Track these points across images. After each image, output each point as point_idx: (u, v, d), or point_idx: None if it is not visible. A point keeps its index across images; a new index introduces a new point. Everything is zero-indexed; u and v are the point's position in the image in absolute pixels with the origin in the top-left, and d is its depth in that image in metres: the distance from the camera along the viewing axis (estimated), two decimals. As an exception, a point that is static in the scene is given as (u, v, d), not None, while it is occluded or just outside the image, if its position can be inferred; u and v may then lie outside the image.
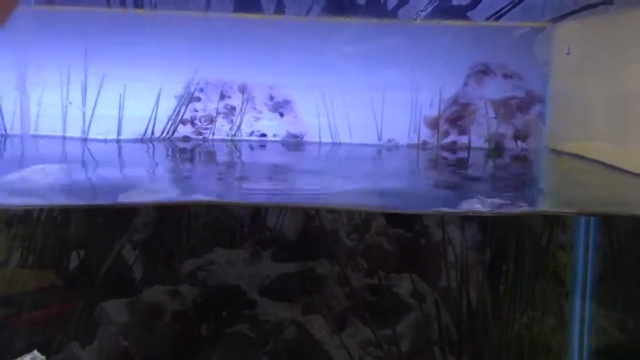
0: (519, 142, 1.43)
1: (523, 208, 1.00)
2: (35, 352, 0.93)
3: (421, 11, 1.21)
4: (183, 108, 1.40)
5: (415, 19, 1.26)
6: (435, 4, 1.19)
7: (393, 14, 1.24)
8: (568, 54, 1.28)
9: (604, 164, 1.18)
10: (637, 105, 1.08)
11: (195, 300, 1.23)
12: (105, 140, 1.38)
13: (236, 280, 1.25)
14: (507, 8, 1.22)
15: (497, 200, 0.98)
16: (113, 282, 1.24)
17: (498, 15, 1.25)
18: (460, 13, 1.22)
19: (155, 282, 1.24)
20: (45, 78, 1.32)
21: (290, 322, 1.23)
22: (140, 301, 1.22)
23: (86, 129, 1.37)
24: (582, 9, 1.20)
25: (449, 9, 1.22)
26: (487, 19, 1.27)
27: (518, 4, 1.19)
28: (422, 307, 1.26)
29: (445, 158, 1.40)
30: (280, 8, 1.22)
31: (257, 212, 1.30)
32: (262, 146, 1.42)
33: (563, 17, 1.28)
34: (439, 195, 1.12)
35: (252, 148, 1.41)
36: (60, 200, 1.03)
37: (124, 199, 0.97)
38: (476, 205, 0.96)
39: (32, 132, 1.32)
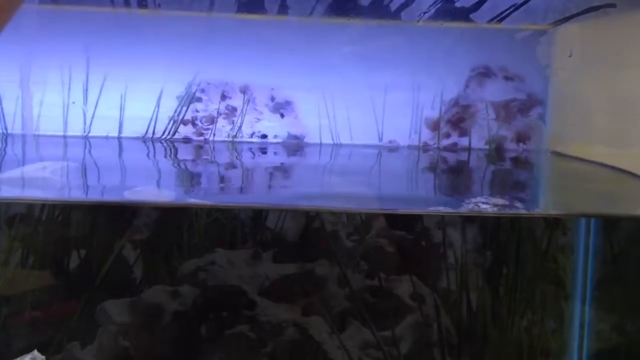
0: (519, 144, 1.43)
1: (522, 210, 1.00)
2: (35, 352, 0.93)
3: (424, 13, 1.21)
4: (184, 108, 1.40)
5: (418, 21, 1.26)
6: (438, 5, 1.19)
7: (396, 15, 1.24)
8: (570, 56, 1.29)
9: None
10: (638, 108, 1.08)
11: (196, 301, 1.23)
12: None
13: (236, 281, 1.25)
14: (509, 10, 1.22)
15: (499, 201, 0.98)
16: (113, 282, 1.24)
17: (500, 17, 1.25)
18: (463, 15, 1.22)
19: (156, 283, 1.24)
20: (47, 77, 1.32)
21: (290, 323, 1.23)
22: (141, 301, 1.22)
23: (87, 128, 1.37)
24: (584, 12, 1.20)
25: (452, 11, 1.22)
26: (490, 21, 1.27)
27: (520, 6, 1.19)
28: (422, 308, 1.26)
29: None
30: (283, 9, 1.21)
31: (258, 213, 1.30)
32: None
33: (565, 20, 1.28)
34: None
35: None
36: (59, 197, 1.03)
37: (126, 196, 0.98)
38: (477, 206, 0.96)
39: (34, 132, 1.33)
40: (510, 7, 1.21)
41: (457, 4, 1.19)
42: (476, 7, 1.19)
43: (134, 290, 1.24)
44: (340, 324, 1.26)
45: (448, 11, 1.21)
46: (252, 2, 1.20)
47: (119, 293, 1.22)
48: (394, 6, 1.21)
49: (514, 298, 1.27)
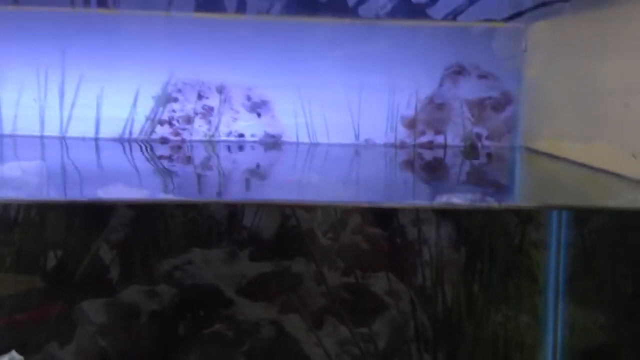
0: (493, 141, 1.44)
1: (494, 203, 1.01)
2: (13, 352, 0.93)
3: (381, 9, 1.22)
4: (161, 109, 1.40)
5: (378, 18, 1.27)
6: (395, 2, 1.20)
7: (354, 11, 1.25)
8: (525, 51, 1.30)
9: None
10: (603, 103, 1.09)
11: (173, 300, 1.24)
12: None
13: (213, 279, 1.25)
14: (464, 6, 1.23)
15: (473, 196, 0.99)
16: (90, 282, 1.24)
17: (456, 13, 1.26)
18: (419, 11, 1.23)
19: (133, 282, 1.24)
20: (21, 79, 1.33)
21: (267, 321, 1.24)
22: (118, 301, 1.22)
23: (64, 129, 1.37)
24: (536, 7, 1.21)
25: (409, 7, 1.23)
26: (446, 16, 1.28)
27: (476, 1, 1.20)
28: (399, 305, 1.27)
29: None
30: (241, 7, 1.22)
31: (234, 212, 1.30)
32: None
33: (519, 14, 1.29)
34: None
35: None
36: (34, 197, 1.03)
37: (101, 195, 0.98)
38: (451, 199, 0.97)
39: (7, 132, 1.33)
40: (466, 1, 1.22)
41: (413, 0, 1.20)
42: (432, 2, 1.20)
43: (111, 290, 1.24)
44: (317, 322, 1.27)
45: (405, 7, 1.22)
46: (210, 1, 1.21)
47: (96, 293, 1.23)
48: (351, 2, 1.22)
49: (489, 293, 1.28)
